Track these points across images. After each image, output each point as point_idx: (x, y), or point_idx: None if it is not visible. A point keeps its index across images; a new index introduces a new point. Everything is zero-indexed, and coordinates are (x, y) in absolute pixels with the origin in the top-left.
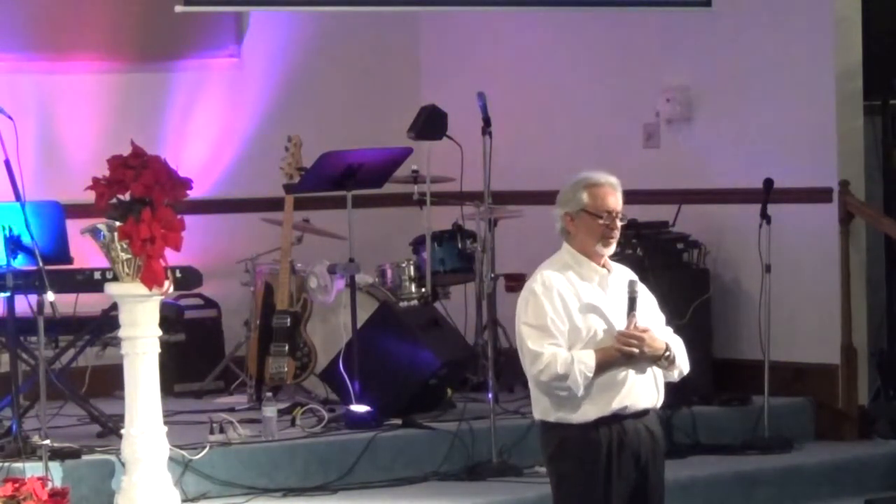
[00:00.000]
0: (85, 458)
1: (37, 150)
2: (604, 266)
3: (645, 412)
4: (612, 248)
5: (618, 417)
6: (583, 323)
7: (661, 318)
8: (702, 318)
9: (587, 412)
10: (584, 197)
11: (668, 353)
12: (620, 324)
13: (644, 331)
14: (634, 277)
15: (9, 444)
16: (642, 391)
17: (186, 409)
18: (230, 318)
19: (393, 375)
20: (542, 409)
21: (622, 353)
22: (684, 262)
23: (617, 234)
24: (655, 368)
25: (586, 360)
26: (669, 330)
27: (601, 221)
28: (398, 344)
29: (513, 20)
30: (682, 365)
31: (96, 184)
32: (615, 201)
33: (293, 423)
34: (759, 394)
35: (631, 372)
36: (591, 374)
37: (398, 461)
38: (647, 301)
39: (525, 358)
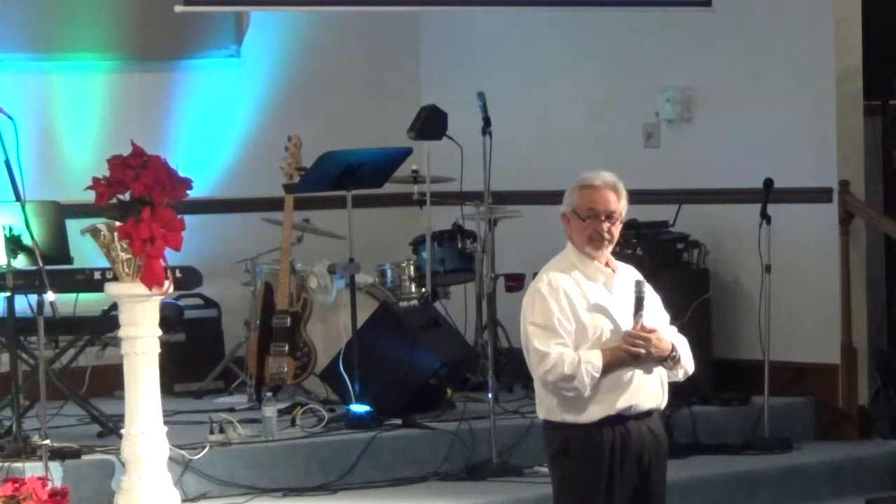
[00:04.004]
0: (85, 458)
1: (37, 150)
2: (608, 266)
3: (649, 413)
4: (605, 250)
5: (622, 418)
6: (589, 323)
7: (666, 317)
8: (702, 318)
9: (593, 412)
10: (575, 198)
11: (673, 354)
12: (627, 324)
13: (651, 331)
14: (640, 277)
15: (9, 444)
16: (648, 391)
17: (186, 409)
18: (230, 318)
19: (393, 375)
20: (546, 408)
21: (629, 354)
22: (684, 262)
23: (607, 235)
24: (661, 369)
25: (593, 361)
26: (674, 329)
27: (585, 223)
28: (398, 344)
29: (513, 20)
30: (688, 365)
31: (96, 184)
32: (604, 202)
33: (293, 423)
34: (759, 394)
35: (637, 372)
36: (598, 375)
37: (398, 461)
38: (652, 300)
39: (531, 358)
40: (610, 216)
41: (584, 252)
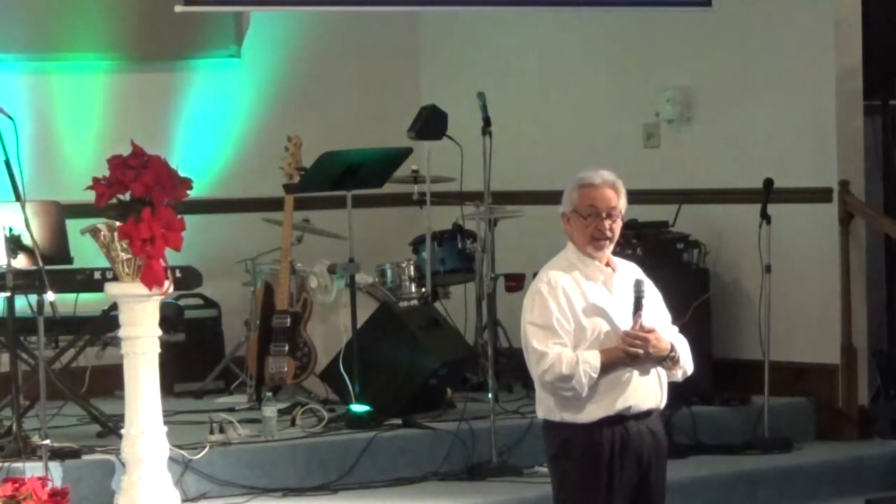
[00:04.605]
0: (85, 458)
1: (37, 150)
2: (608, 265)
3: (648, 413)
4: (606, 249)
5: (622, 418)
6: (588, 323)
7: (667, 315)
8: (702, 318)
9: (591, 412)
10: (576, 197)
11: (672, 354)
12: (626, 324)
13: (650, 331)
14: (641, 276)
15: (9, 444)
16: (646, 391)
17: (186, 409)
18: (230, 318)
19: (393, 375)
20: (545, 408)
21: (627, 354)
22: (684, 262)
23: (609, 234)
24: (659, 369)
25: (591, 361)
26: (675, 329)
27: (586, 221)
28: (398, 344)
29: (513, 20)
30: (686, 365)
31: (96, 184)
32: (604, 200)
33: (293, 423)
34: (759, 394)
35: (635, 372)
36: (595, 375)
37: (398, 461)
38: (653, 298)
39: (530, 357)
40: (611, 214)
41: (586, 251)
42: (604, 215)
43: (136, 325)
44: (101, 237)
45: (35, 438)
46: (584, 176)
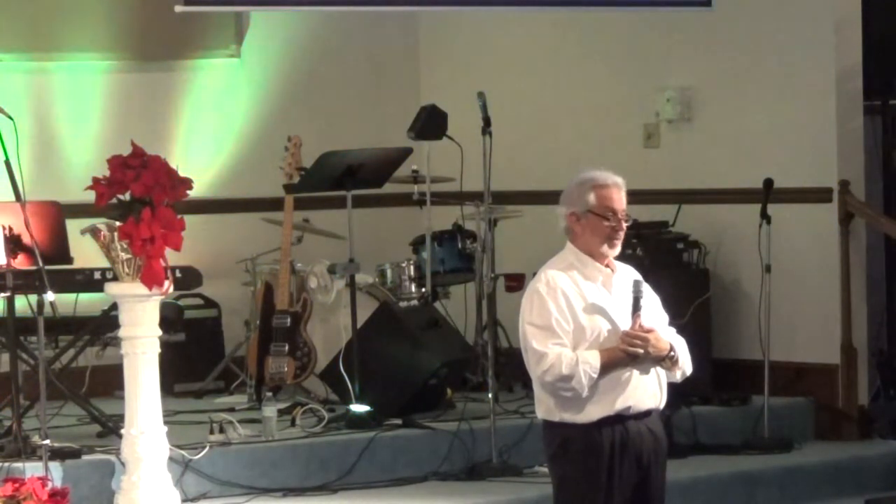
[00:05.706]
0: (85, 458)
1: (36, 150)
2: (608, 266)
3: (647, 413)
4: (618, 250)
5: (621, 418)
6: (587, 323)
7: (665, 318)
8: (702, 318)
9: (591, 412)
10: (592, 198)
11: (671, 354)
12: (625, 324)
13: (649, 331)
14: (639, 277)
15: (9, 444)
16: (646, 391)
17: (186, 409)
18: (230, 318)
19: (393, 375)
20: (545, 408)
21: (627, 354)
22: (684, 262)
23: (622, 234)
24: (659, 369)
25: (591, 361)
26: (672, 330)
27: (607, 223)
28: (398, 344)
29: (512, 20)
30: (686, 366)
31: (96, 184)
32: (619, 202)
33: (293, 423)
34: (759, 394)
35: (635, 372)
36: (595, 375)
37: (398, 461)
38: (651, 301)
39: (530, 358)
40: (624, 215)
41: (597, 252)
42: (619, 216)
43: (136, 325)
44: (101, 237)
45: (35, 438)
46: (595, 176)
